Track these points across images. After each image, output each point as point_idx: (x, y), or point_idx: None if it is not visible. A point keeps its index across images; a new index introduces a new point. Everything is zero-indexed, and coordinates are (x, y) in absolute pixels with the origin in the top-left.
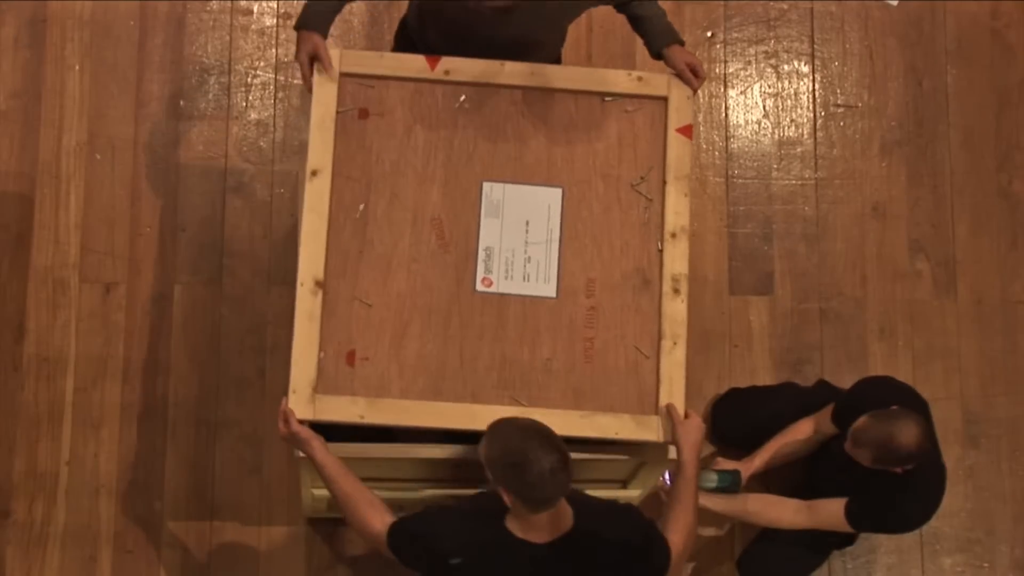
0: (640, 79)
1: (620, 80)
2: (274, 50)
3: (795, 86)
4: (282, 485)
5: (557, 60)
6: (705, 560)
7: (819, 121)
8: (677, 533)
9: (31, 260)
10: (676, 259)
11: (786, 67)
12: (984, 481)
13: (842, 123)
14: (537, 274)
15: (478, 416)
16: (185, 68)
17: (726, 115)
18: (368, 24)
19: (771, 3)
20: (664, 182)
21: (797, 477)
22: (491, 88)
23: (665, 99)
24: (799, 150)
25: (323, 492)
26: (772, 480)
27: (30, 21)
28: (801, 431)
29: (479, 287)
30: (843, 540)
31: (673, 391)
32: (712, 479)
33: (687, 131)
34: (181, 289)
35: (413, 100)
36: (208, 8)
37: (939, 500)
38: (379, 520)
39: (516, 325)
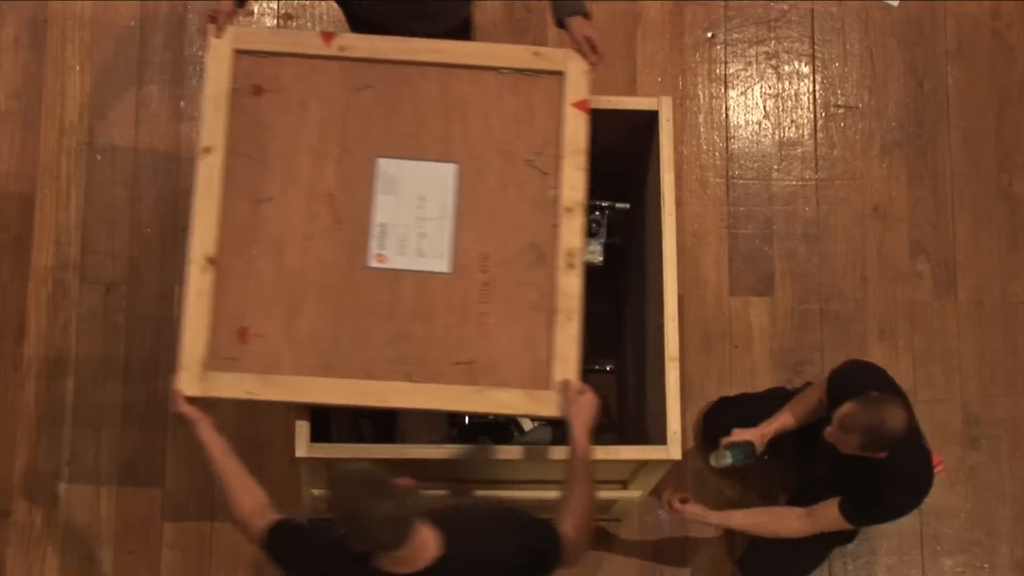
0: (537, 54)
1: (516, 54)
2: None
3: (795, 87)
4: (282, 485)
5: (468, 19)
6: (705, 561)
7: (819, 122)
8: (571, 518)
9: (31, 260)
10: (571, 234)
11: (786, 68)
12: (984, 482)
13: (842, 124)
14: (431, 250)
15: (371, 392)
16: (185, 69)
17: (726, 116)
18: None
19: (772, 4)
20: (560, 157)
21: (789, 478)
22: (387, 64)
23: (562, 73)
24: (799, 151)
25: (324, 492)
26: (769, 479)
27: (31, 21)
28: (812, 396)
29: (373, 263)
30: (845, 537)
31: (567, 366)
32: (726, 456)
33: (583, 105)
34: (181, 289)
35: (308, 77)
36: (209, 8)
37: (928, 481)
38: (259, 515)
39: (410, 301)
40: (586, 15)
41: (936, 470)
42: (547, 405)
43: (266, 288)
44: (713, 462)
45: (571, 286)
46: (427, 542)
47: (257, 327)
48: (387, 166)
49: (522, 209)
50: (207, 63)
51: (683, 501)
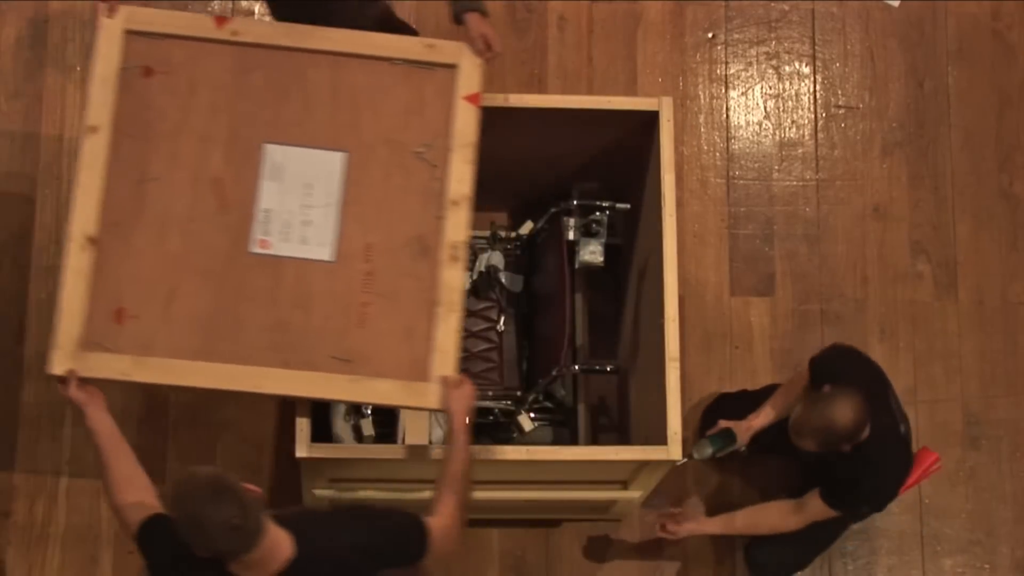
0: (430, 46)
1: (410, 46)
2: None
3: (796, 87)
4: (283, 486)
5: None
6: (706, 561)
7: (820, 122)
8: (444, 509)
9: (32, 260)
10: (456, 227)
11: (787, 68)
12: (985, 482)
13: (843, 124)
14: (315, 238)
15: (246, 378)
16: None
17: (727, 116)
18: None
19: (772, 4)
20: (449, 150)
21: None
22: (278, 51)
23: (455, 67)
24: (800, 151)
25: (325, 493)
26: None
27: (32, 21)
28: (796, 385)
29: (256, 249)
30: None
31: (446, 359)
32: (706, 447)
33: (475, 99)
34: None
35: (199, 60)
36: (209, 8)
37: (906, 465)
38: (140, 506)
39: (291, 288)
40: (483, 12)
41: (932, 468)
42: (425, 397)
43: (146, 269)
44: (695, 454)
45: (453, 279)
46: (279, 545)
47: (135, 308)
48: (274, 152)
49: (409, 200)
50: (97, 42)
51: (675, 520)
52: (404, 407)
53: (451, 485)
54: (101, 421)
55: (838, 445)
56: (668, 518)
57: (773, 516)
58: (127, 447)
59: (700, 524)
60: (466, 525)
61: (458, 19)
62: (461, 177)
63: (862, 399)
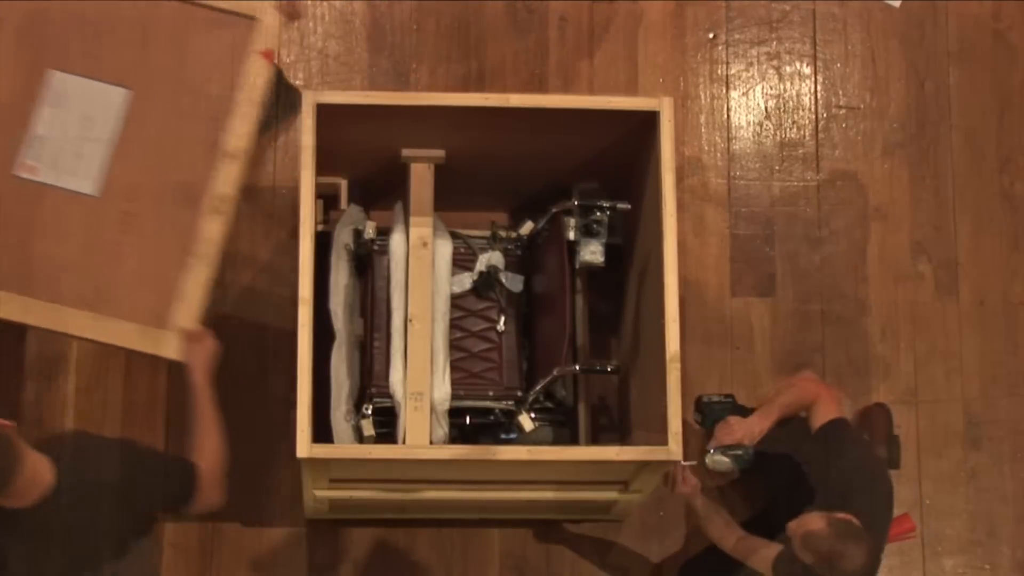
0: None
1: None
2: (275, 49)
3: (797, 87)
4: (283, 485)
5: None
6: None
7: (821, 123)
8: (203, 462)
9: None
10: (227, 180)
11: (788, 68)
12: (986, 483)
13: (844, 124)
14: (83, 170)
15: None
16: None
17: (728, 116)
18: (369, 25)
19: (773, 4)
20: (234, 103)
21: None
22: None
23: (254, 19)
24: (801, 151)
25: (325, 493)
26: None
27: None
28: (803, 397)
29: (21, 173)
30: None
31: (189, 309)
32: (725, 462)
33: (269, 55)
34: None
35: None
36: None
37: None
38: None
39: (47, 216)
40: None
41: (907, 535)
42: (161, 345)
43: None
44: (709, 463)
45: (213, 232)
46: (39, 473)
47: None
48: (59, 80)
49: (184, 147)
50: None
51: (686, 476)
52: (141, 352)
53: (205, 438)
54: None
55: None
56: (684, 471)
57: (755, 557)
58: None
59: (699, 498)
60: (225, 480)
61: None
62: (241, 132)
63: (874, 554)
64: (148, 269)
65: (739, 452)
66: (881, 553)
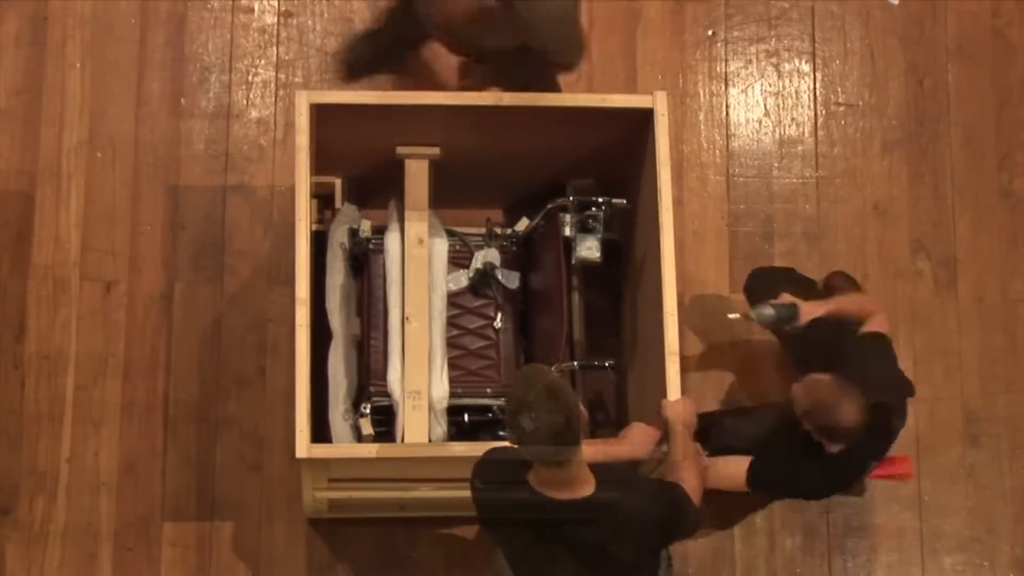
0: None
1: None
2: (275, 48)
3: (796, 85)
4: (283, 484)
5: None
6: (706, 562)
7: (820, 120)
8: (689, 477)
9: (32, 258)
10: None
11: (787, 66)
12: (984, 480)
13: (843, 122)
14: None
15: None
16: (186, 66)
17: (727, 114)
18: (368, 22)
19: (772, 2)
20: None
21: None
22: None
23: None
24: (800, 149)
25: (325, 493)
26: None
27: (31, 19)
28: (857, 303)
29: None
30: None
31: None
32: (768, 311)
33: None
34: (182, 287)
35: None
36: (209, 6)
37: (846, 482)
38: None
39: None
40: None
41: (901, 476)
42: None
43: None
44: (754, 315)
45: None
46: (584, 470)
47: None
48: None
49: None
50: None
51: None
52: None
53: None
54: None
55: (828, 435)
56: (687, 402)
57: (730, 467)
58: None
59: (682, 433)
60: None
61: None
62: None
63: (868, 408)
64: None
65: (785, 307)
66: (873, 458)
